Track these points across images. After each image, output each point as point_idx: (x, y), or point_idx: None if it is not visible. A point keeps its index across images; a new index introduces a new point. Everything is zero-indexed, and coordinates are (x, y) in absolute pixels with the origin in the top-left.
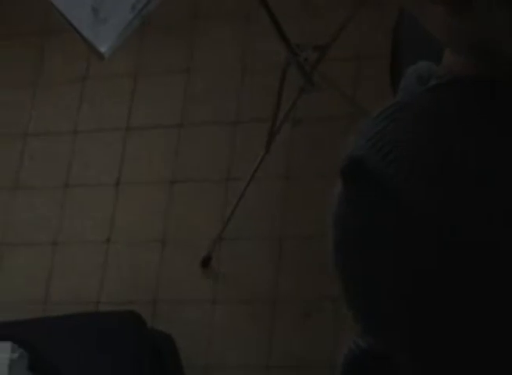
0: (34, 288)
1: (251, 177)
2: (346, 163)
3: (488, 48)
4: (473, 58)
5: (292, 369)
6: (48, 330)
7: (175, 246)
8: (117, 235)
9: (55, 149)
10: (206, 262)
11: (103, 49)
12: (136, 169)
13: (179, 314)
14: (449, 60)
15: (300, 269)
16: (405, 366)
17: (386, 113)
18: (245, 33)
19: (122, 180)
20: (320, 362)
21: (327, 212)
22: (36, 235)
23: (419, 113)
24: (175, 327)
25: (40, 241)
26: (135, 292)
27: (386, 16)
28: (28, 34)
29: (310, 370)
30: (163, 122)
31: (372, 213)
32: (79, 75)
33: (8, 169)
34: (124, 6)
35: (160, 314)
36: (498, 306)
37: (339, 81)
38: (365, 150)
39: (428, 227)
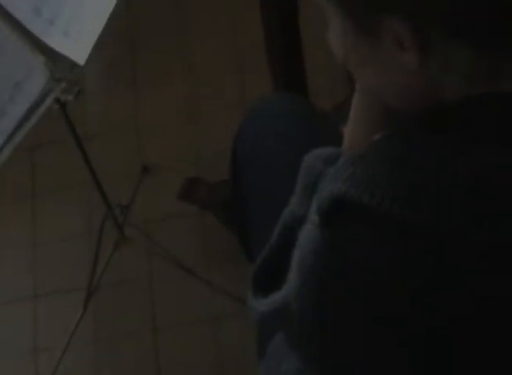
0: None
1: (68, 341)
2: (328, 203)
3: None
4: (410, 104)
5: None
6: None
7: None
8: None
9: None
10: None
11: None
12: None
13: None
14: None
15: None
16: None
17: (348, 163)
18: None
19: None
20: None
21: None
22: None
23: (382, 153)
24: None
25: None
26: None
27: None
28: None
29: None
30: None
31: (367, 242)
32: None
33: None
34: None
35: None
36: None
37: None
38: (345, 189)
39: (433, 242)
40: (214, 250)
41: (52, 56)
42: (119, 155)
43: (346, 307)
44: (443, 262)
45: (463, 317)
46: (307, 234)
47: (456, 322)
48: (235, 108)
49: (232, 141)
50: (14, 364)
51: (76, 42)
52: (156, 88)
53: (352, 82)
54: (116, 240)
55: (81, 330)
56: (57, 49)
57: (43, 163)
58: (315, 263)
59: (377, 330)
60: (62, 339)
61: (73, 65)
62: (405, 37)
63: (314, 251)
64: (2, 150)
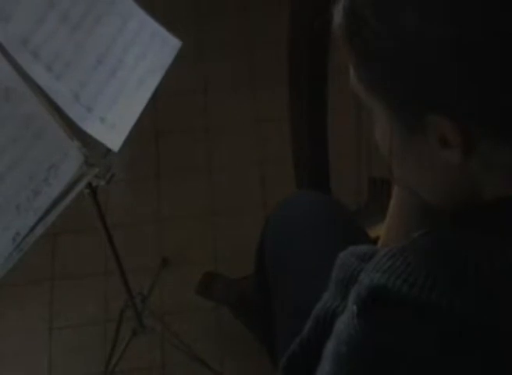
0: None
1: None
2: (367, 293)
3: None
4: (449, 201)
5: None
6: None
7: None
8: None
9: None
10: None
11: None
12: None
13: None
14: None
15: None
16: None
17: (388, 256)
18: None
19: None
20: None
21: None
22: None
23: (420, 248)
24: None
25: None
26: None
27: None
28: None
29: None
30: None
31: (404, 331)
32: None
33: None
34: (5, 238)
35: None
36: None
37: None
38: (384, 280)
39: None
40: (228, 344)
41: (87, 141)
42: (139, 246)
43: None
44: (474, 350)
45: None
46: (345, 323)
47: None
48: (255, 206)
49: (260, 236)
50: None
51: (112, 129)
52: (178, 182)
53: (373, 186)
54: (134, 328)
55: None
56: (93, 135)
57: (64, 249)
58: (351, 352)
59: None
60: None
61: (107, 151)
62: (450, 134)
63: (351, 340)
64: (35, 228)
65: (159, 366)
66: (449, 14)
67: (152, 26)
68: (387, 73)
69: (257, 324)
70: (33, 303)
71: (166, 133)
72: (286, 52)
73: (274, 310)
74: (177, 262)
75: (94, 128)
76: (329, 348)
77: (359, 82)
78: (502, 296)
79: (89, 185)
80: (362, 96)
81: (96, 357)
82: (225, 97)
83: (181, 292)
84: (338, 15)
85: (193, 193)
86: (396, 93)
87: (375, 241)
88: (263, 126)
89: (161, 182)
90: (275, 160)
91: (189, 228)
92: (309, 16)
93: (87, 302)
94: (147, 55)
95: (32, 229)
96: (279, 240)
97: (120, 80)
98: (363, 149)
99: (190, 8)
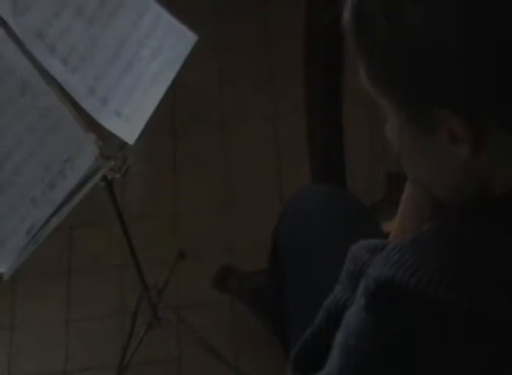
0: None
1: None
2: (375, 286)
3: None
4: (459, 195)
5: None
6: None
7: None
8: None
9: None
10: None
11: (2, 270)
12: None
13: None
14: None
15: None
16: None
17: (396, 249)
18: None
19: None
20: None
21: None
22: None
23: (428, 242)
24: None
25: None
26: None
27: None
28: None
29: None
30: None
31: (410, 326)
32: None
33: None
34: (20, 230)
35: None
36: None
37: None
38: (392, 273)
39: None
40: (243, 337)
41: (103, 134)
42: (155, 239)
43: None
44: (481, 345)
45: None
46: (353, 316)
47: None
48: (271, 199)
49: (273, 228)
50: None
51: (128, 122)
52: (194, 175)
53: (389, 182)
54: (149, 321)
55: None
56: (108, 128)
57: (80, 242)
58: (359, 345)
59: None
60: None
61: (123, 144)
62: (458, 130)
63: (359, 332)
64: (50, 221)
65: (174, 358)
66: (455, 10)
67: (168, 19)
68: (393, 70)
69: (272, 317)
70: (50, 295)
71: (183, 126)
72: (302, 45)
73: (287, 303)
74: (193, 256)
75: (109, 121)
76: (339, 339)
77: (367, 79)
78: (510, 291)
79: (104, 178)
80: (371, 92)
81: (112, 349)
82: (242, 90)
83: (197, 285)
84: (346, 11)
85: (210, 186)
86: (403, 90)
87: (388, 236)
88: (280, 119)
89: (177, 175)
90: (291, 153)
91: (205, 221)
92: (325, 7)
93: (104, 295)
94: (162, 48)
95: (47, 221)
96: (293, 234)
97: (136, 73)
98: (378, 144)
99: (208, 1)
